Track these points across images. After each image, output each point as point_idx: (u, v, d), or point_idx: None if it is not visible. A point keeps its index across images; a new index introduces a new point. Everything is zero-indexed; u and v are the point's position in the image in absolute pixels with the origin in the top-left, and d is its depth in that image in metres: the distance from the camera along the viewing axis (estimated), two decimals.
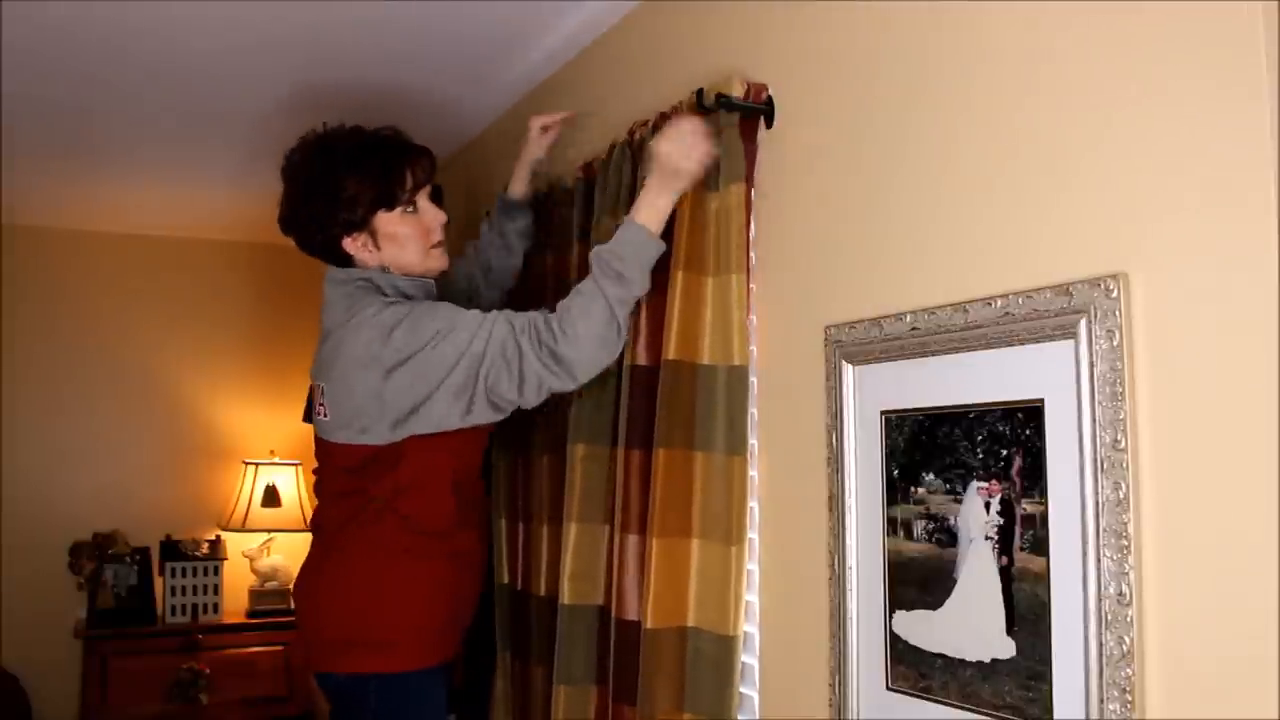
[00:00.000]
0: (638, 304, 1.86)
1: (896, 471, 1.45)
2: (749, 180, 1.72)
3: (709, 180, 1.74)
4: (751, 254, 1.75)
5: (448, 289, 2.19)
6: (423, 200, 2.01)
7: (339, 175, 1.93)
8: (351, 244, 1.97)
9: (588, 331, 1.78)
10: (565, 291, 2.23)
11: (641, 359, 1.85)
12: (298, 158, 2.01)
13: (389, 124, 2.06)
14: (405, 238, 1.98)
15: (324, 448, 2.02)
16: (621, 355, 1.90)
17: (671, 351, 1.74)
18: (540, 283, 2.38)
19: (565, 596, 1.99)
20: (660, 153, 1.71)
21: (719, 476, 1.68)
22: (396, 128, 2.06)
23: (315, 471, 2.08)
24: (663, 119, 1.87)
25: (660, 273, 1.81)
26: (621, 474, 1.86)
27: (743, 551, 1.67)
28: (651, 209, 1.76)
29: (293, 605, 2.20)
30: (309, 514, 4.36)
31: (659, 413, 1.76)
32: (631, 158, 2.00)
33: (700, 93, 1.74)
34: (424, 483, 1.94)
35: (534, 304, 2.38)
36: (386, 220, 1.96)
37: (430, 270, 2.04)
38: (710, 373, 1.70)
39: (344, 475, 1.97)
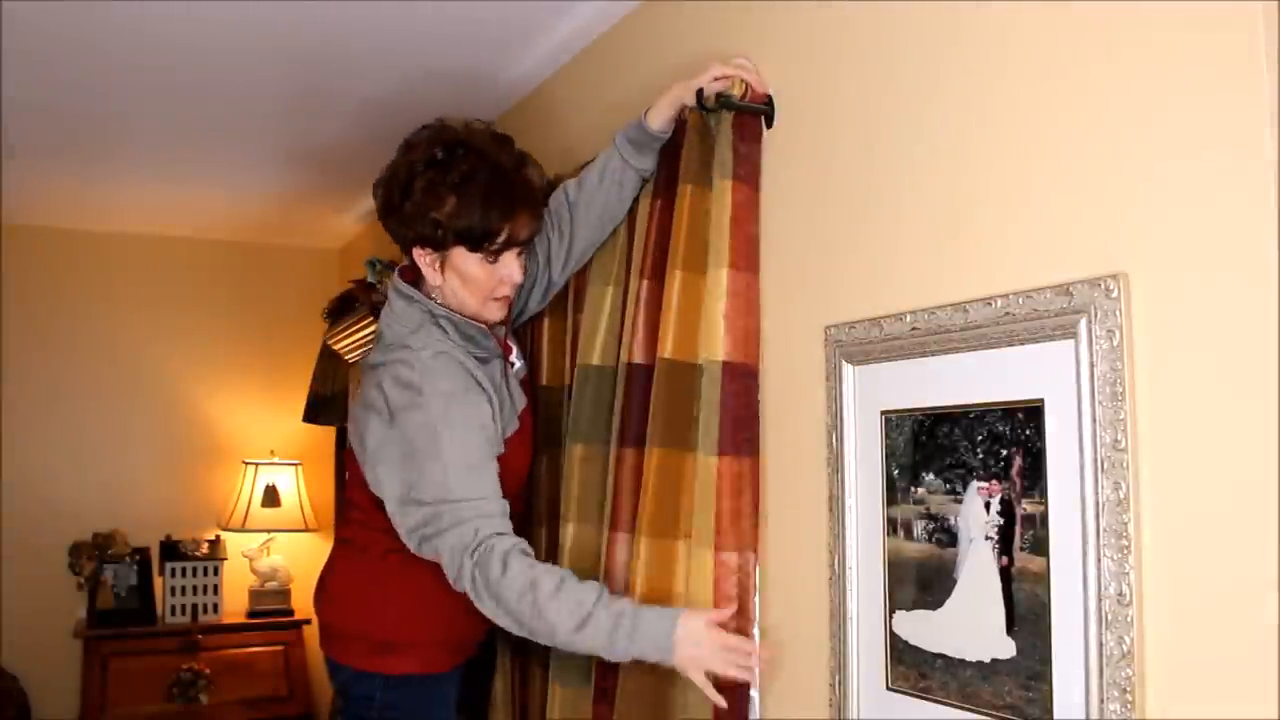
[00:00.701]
0: (636, 301, 1.85)
1: (896, 471, 1.45)
2: (750, 180, 1.72)
3: (709, 180, 1.74)
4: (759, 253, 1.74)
5: None
6: (508, 255, 1.88)
7: (445, 189, 1.81)
8: (421, 255, 1.88)
9: (531, 610, 1.64)
10: (564, 291, 2.23)
11: (638, 357, 1.85)
12: (427, 139, 1.87)
13: (525, 152, 1.94)
14: (471, 281, 1.87)
15: (349, 452, 2.02)
16: (619, 354, 1.89)
17: (668, 350, 1.73)
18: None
19: None
20: (713, 649, 1.57)
21: (703, 476, 1.67)
22: (530, 159, 1.93)
23: (346, 467, 2.09)
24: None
25: (660, 272, 1.81)
26: (614, 473, 1.86)
27: (726, 555, 1.65)
28: (687, 651, 1.57)
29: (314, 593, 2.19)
30: (309, 514, 4.39)
31: (653, 411, 1.75)
32: None
33: (700, 93, 1.74)
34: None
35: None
36: (462, 256, 1.85)
37: (482, 318, 1.92)
38: (700, 371, 1.69)
39: (364, 483, 1.97)
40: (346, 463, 2.07)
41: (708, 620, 1.57)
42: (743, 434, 1.67)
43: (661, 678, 1.71)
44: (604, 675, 1.82)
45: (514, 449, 1.95)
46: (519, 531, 1.79)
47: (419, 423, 1.78)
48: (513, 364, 2.04)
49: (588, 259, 2.09)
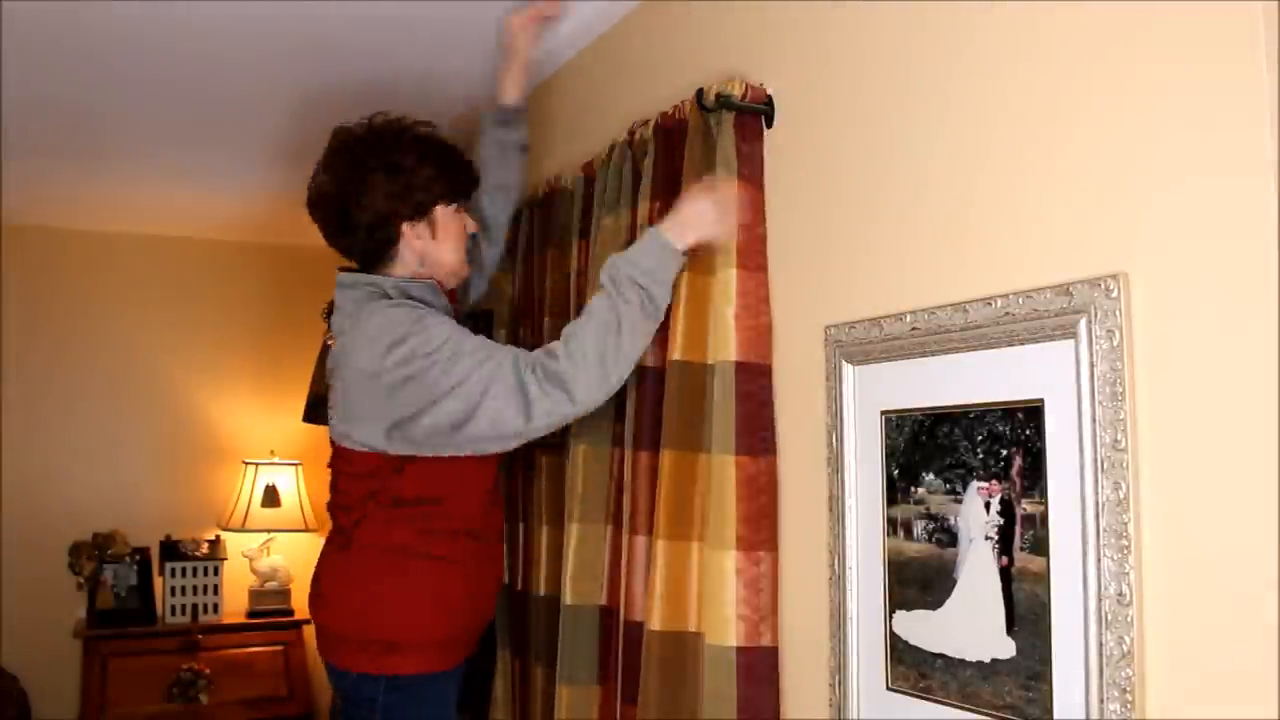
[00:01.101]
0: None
1: (896, 471, 1.45)
2: (753, 179, 1.72)
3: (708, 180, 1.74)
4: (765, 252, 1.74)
5: None
6: (462, 210, 2.06)
7: (415, 159, 1.95)
8: (410, 230, 1.97)
9: (591, 349, 1.75)
10: (564, 290, 2.24)
11: (649, 360, 1.84)
12: (360, 136, 1.99)
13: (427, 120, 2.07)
14: (454, 235, 2.02)
15: (335, 447, 2.02)
16: None
17: (677, 352, 1.73)
18: (540, 282, 2.38)
19: (567, 597, 1.99)
20: (696, 209, 1.72)
21: (720, 478, 1.67)
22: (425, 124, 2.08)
23: (330, 465, 2.08)
24: (663, 119, 1.87)
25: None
26: (630, 476, 1.86)
27: (745, 558, 1.64)
28: (679, 228, 1.74)
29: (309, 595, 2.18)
30: (309, 514, 4.39)
31: (666, 414, 1.75)
32: (632, 157, 2.00)
33: (700, 93, 1.74)
34: (434, 487, 1.93)
35: (534, 303, 2.38)
36: (444, 214, 2.00)
37: (460, 274, 2.07)
38: (713, 371, 1.69)
39: (355, 477, 1.97)
40: (333, 463, 2.06)
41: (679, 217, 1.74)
42: (759, 433, 1.67)
43: (686, 677, 1.70)
44: (629, 675, 1.81)
45: None
46: (496, 511, 2.03)
47: (413, 350, 1.80)
48: None
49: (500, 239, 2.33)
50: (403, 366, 1.80)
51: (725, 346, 1.67)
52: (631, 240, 1.97)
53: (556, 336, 2.24)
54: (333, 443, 2.04)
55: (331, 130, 2.03)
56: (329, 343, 2.09)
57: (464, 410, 1.79)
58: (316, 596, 2.07)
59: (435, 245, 1.99)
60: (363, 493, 1.94)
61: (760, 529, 1.65)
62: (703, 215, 1.72)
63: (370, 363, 1.83)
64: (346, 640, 1.99)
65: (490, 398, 1.78)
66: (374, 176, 1.94)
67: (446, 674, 2.01)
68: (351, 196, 1.95)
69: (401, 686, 1.95)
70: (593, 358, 1.75)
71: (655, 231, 1.76)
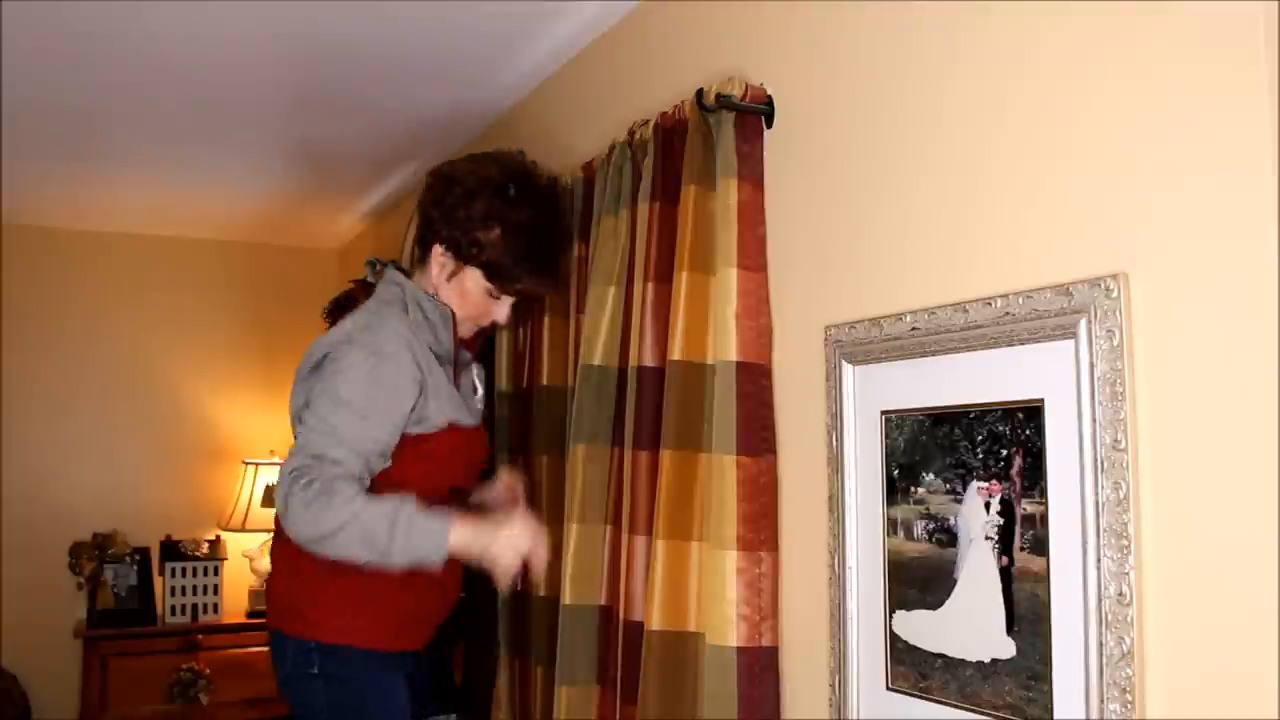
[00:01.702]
0: (642, 304, 1.86)
1: (896, 471, 1.45)
2: (754, 179, 1.72)
3: (712, 180, 1.74)
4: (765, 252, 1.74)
5: None
6: (507, 299, 2.02)
7: (495, 219, 1.94)
8: (439, 253, 1.98)
9: (342, 525, 1.75)
10: (564, 290, 2.24)
11: (648, 360, 1.85)
12: (507, 167, 2.00)
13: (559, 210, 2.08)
14: (470, 301, 2.00)
15: None
16: (628, 356, 1.89)
17: (677, 352, 1.73)
18: None
19: (567, 597, 1.99)
20: (510, 542, 1.80)
21: (720, 478, 1.67)
22: (571, 237, 2.11)
23: None
24: (663, 119, 1.87)
25: (665, 274, 1.81)
26: (630, 476, 1.86)
27: (745, 558, 1.64)
28: (476, 544, 1.80)
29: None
30: None
31: (666, 414, 1.75)
32: (632, 157, 2.00)
33: (700, 93, 1.74)
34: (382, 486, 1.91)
35: (534, 305, 2.36)
36: (474, 279, 1.98)
37: (464, 327, 2.04)
38: (713, 371, 1.69)
39: None
40: None
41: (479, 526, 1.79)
42: (759, 433, 1.67)
43: (686, 677, 1.70)
44: (628, 675, 1.81)
45: (471, 443, 2.02)
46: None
47: (345, 360, 1.88)
48: (473, 373, 2.13)
49: None
50: (331, 362, 1.89)
51: (725, 346, 1.67)
52: (632, 239, 1.97)
53: (557, 335, 2.26)
54: None
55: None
56: None
57: (300, 440, 1.89)
58: (270, 576, 2.12)
59: (449, 288, 1.99)
60: None
61: (760, 529, 1.65)
62: (506, 549, 1.80)
63: (327, 344, 1.93)
64: (282, 602, 1.99)
65: (298, 454, 1.86)
66: (464, 198, 1.94)
67: (386, 658, 1.96)
68: (439, 191, 1.98)
69: (334, 653, 1.92)
70: (332, 527, 1.75)
71: (454, 530, 1.77)
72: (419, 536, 1.76)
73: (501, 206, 1.94)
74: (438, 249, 1.98)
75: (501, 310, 2.03)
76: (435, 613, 2.06)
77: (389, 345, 1.88)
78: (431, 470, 1.95)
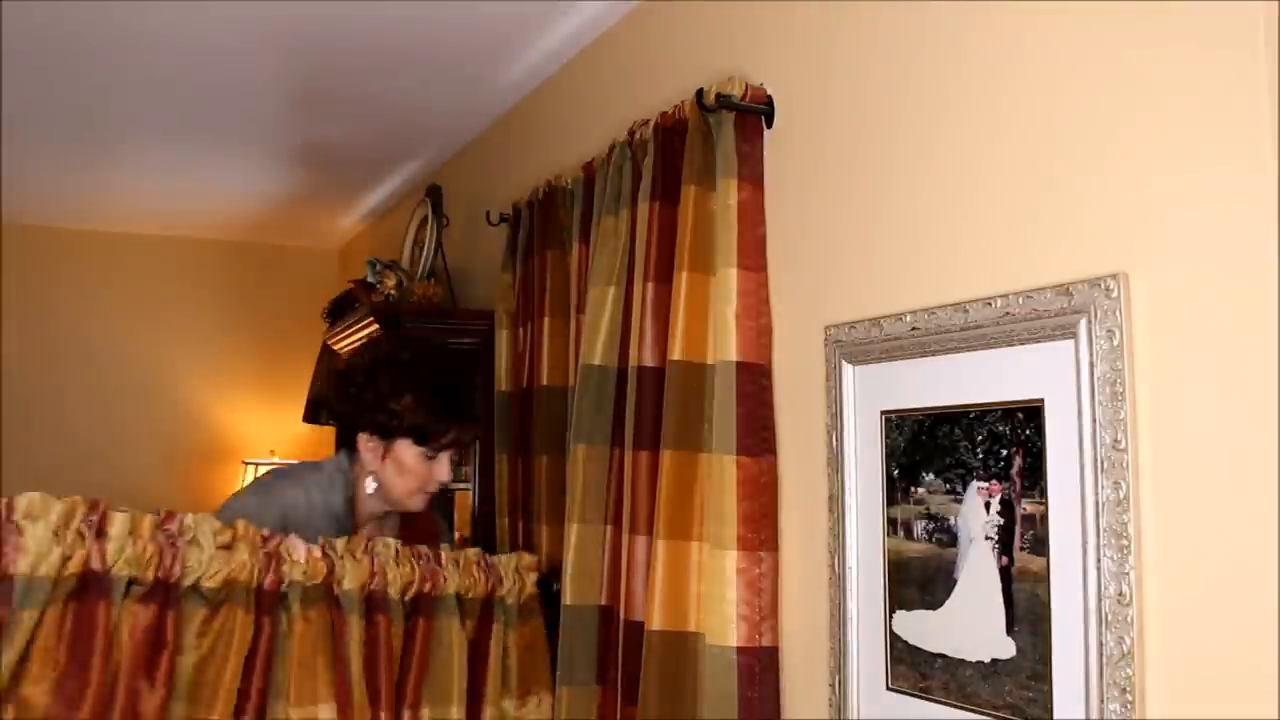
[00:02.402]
0: (642, 304, 1.86)
1: (896, 471, 1.45)
2: (753, 179, 1.72)
3: (712, 180, 1.74)
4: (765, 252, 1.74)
5: None
6: (444, 456, 2.05)
7: (404, 384, 2.00)
8: (365, 441, 2.03)
9: None
10: (564, 290, 2.23)
11: (648, 360, 1.85)
12: (396, 343, 2.12)
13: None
14: (408, 472, 2.03)
15: None
16: (628, 356, 1.89)
17: (677, 352, 1.73)
18: (540, 282, 2.37)
19: (567, 597, 1.99)
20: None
21: (720, 478, 1.67)
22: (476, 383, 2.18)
23: None
24: (663, 119, 1.87)
25: (665, 274, 1.81)
26: (630, 476, 1.86)
27: (745, 558, 1.64)
28: None
29: None
30: None
31: (666, 414, 1.75)
32: (632, 157, 2.00)
33: (700, 93, 1.74)
34: None
35: (533, 303, 2.37)
36: (405, 449, 2.01)
37: (405, 508, 2.08)
38: (713, 371, 1.69)
39: None
40: None
41: None
42: (759, 433, 1.67)
43: (686, 677, 1.70)
44: (628, 675, 1.81)
45: None
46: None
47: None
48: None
49: None
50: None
51: (725, 346, 1.67)
52: (632, 239, 1.97)
53: (557, 335, 2.26)
54: None
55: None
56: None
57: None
58: None
59: (386, 471, 2.03)
60: None
61: (760, 529, 1.65)
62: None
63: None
64: None
65: None
66: (369, 380, 2.02)
67: None
68: (340, 386, 2.13)
69: None
70: None
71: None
72: None
73: (404, 373, 2.02)
74: (363, 438, 2.03)
75: (441, 468, 2.05)
76: None
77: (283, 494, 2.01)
78: None
